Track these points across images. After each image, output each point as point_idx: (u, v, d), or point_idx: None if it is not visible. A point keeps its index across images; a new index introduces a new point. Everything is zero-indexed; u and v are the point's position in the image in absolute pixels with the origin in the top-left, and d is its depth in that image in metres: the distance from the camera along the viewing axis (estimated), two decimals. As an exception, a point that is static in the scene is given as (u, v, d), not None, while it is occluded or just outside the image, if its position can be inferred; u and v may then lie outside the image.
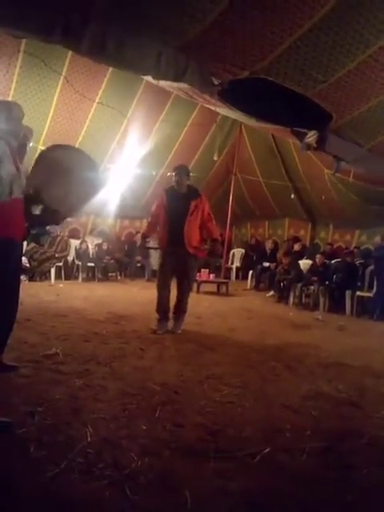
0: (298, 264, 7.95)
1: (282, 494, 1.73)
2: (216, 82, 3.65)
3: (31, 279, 7.54)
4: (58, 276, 8.08)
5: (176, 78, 3.46)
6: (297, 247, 9.09)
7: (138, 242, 7.02)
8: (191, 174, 4.51)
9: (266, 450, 2.01)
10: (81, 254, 8.65)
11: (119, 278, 9.14)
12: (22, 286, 2.87)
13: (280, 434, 2.24)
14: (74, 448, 1.89)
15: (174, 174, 4.33)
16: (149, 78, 3.74)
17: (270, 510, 1.65)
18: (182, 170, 4.35)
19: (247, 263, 10.18)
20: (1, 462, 1.78)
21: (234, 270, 10.45)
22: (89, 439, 1.99)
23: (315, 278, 7.21)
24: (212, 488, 1.72)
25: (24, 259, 6.96)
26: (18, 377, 2.72)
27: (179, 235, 4.20)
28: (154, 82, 3.82)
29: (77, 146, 6.35)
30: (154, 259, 8.39)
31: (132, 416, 2.30)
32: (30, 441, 1.92)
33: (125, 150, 7.74)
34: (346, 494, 1.75)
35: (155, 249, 4.55)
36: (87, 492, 1.62)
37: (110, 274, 9.02)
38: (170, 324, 4.40)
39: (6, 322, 2.65)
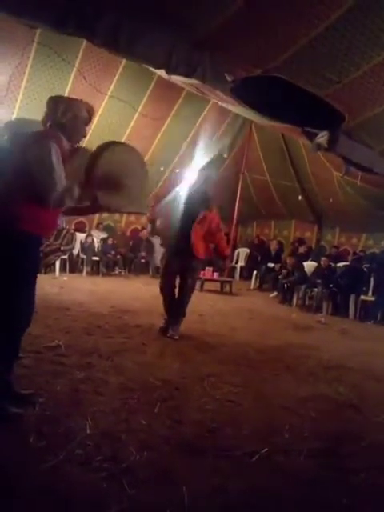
0: (303, 266, 7.92)
1: (279, 494, 1.73)
2: (229, 79, 3.63)
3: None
4: (62, 269, 8.09)
5: (188, 74, 3.45)
6: (302, 249, 9.06)
7: (149, 227, 6.93)
8: None
9: (264, 450, 2.01)
10: (86, 247, 8.67)
11: (123, 273, 9.16)
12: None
13: (278, 434, 2.23)
14: (74, 440, 1.90)
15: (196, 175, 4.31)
16: (162, 73, 3.73)
17: (266, 509, 1.65)
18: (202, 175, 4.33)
19: (252, 263, 10.16)
20: (0, 452, 1.79)
21: (239, 269, 10.43)
22: (88, 432, 1.99)
23: (319, 281, 7.18)
24: (209, 485, 1.71)
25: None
26: (19, 367, 2.72)
27: (185, 238, 4.14)
28: (167, 76, 3.80)
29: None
30: (159, 255, 8.38)
31: (132, 410, 2.30)
32: (29, 431, 1.93)
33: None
34: (343, 496, 1.74)
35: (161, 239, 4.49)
36: (85, 483, 1.62)
37: (114, 269, 9.04)
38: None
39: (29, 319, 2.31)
